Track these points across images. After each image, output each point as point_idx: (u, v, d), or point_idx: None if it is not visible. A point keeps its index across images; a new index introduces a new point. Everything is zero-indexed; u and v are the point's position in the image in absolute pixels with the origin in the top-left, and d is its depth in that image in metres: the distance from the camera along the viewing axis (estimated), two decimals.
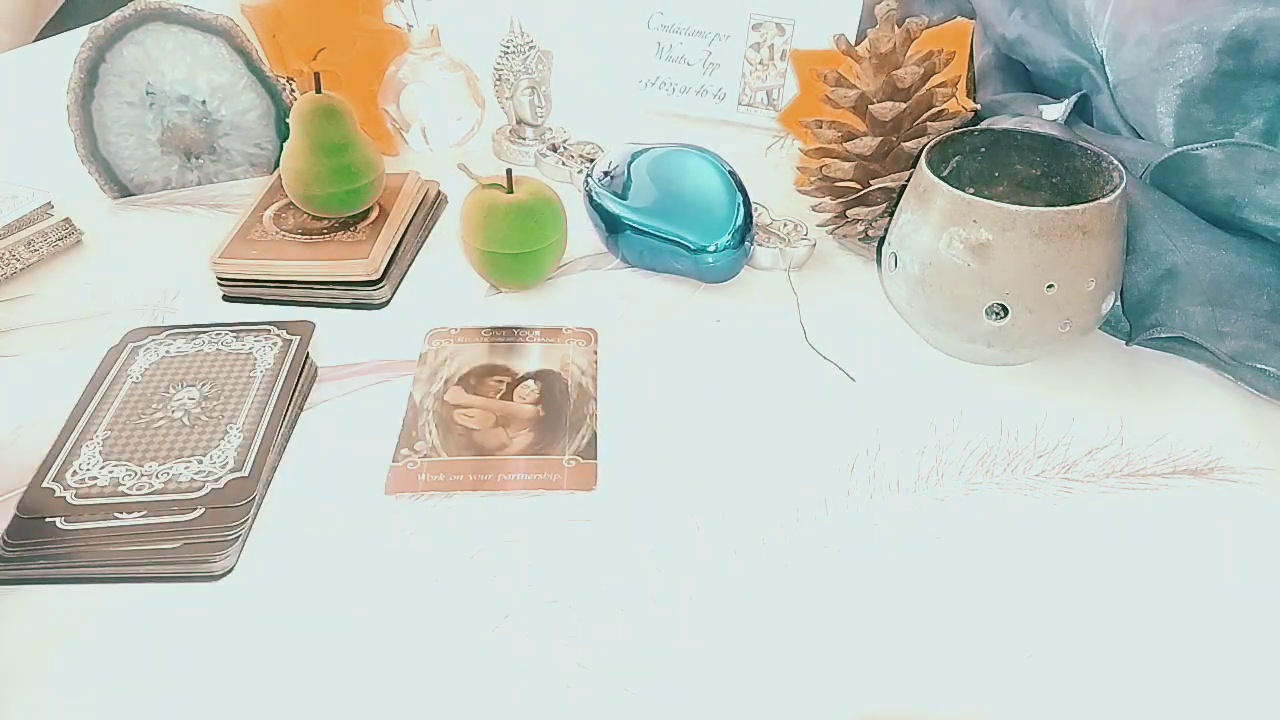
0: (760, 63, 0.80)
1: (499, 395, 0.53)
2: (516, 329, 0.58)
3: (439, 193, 0.72)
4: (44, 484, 0.45)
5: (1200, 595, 0.41)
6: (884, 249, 0.56)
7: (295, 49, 0.76)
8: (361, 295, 0.61)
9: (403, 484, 0.47)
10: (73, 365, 0.54)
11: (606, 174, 0.64)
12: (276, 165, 0.71)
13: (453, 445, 0.49)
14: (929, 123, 0.60)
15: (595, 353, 0.56)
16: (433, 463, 0.48)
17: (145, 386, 0.51)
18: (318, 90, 0.62)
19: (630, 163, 0.64)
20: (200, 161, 0.74)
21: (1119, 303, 0.54)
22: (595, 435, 0.50)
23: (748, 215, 0.61)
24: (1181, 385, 0.53)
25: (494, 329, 0.58)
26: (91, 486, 0.45)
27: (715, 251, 0.60)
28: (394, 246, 0.63)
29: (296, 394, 0.52)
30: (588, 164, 0.74)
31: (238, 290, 0.62)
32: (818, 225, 0.66)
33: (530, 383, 0.53)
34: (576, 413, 0.51)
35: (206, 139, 0.73)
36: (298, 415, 0.52)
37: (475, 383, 0.54)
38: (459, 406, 0.52)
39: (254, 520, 0.45)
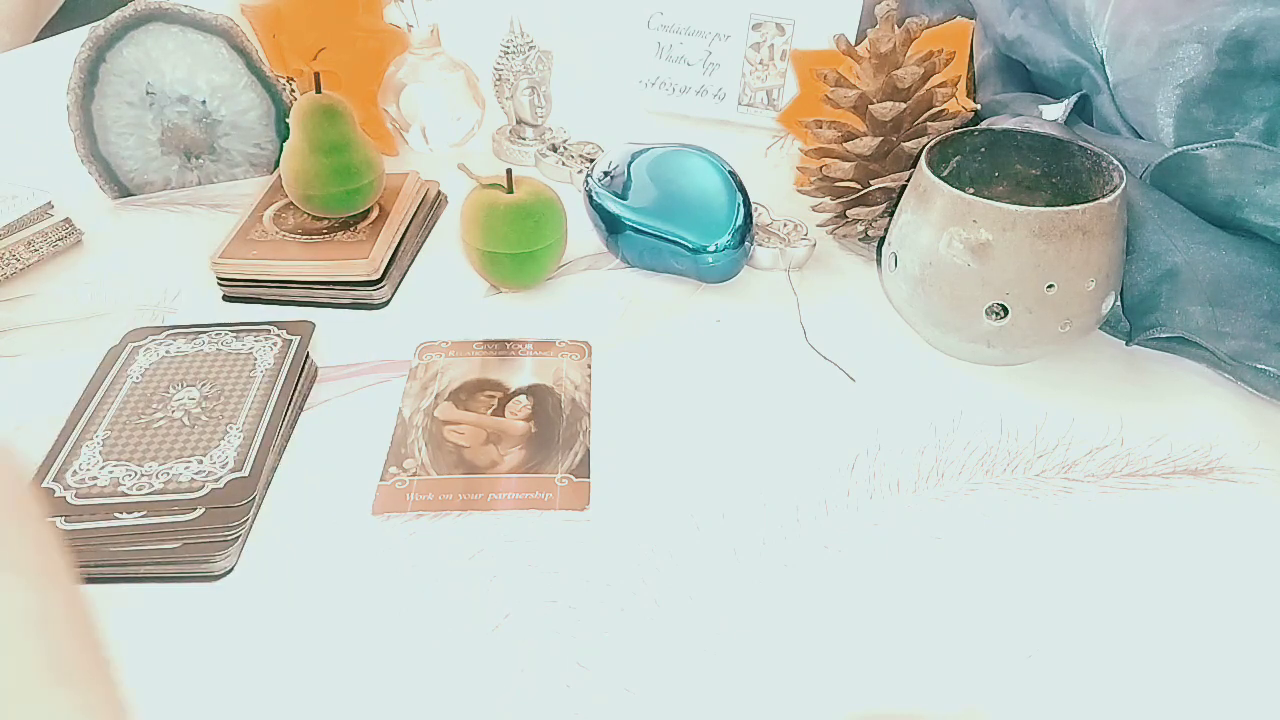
0: (760, 63, 0.80)
1: (490, 411, 0.51)
2: (508, 342, 0.57)
3: (439, 193, 0.72)
4: (44, 484, 0.45)
5: (1200, 595, 0.41)
6: (884, 249, 0.56)
7: (295, 49, 0.76)
8: (361, 295, 0.61)
9: (391, 504, 0.46)
10: (73, 365, 0.54)
11: (606, 174, 0.64)
12: (276, 165, 0.71)
13: (442, 463, 0.48)
14: (929, 123, 0.60)
15: (589, 366, 0.55)
16: (421, 481, 0.47)
17: (145, 386, 0.51)
18: (318, 90, 0.62)
19: (630, 163, 0.64)
20: (200, 161, 0.74)
21: (1119, 303, 0.54)
22: (588, 453, 0.49)
23: (748, 215, 0.61)
24: (1181, 385, 0.53)
25: (485, 342, 0.57)
26: (91, 486, 0.45)
27: (715, 251, 0.60)
28: (394, 246, 0.63)
29: (297, 394, 0.52)
30: (588, 164, 0.74)
31: (238, 290, 0.62)
32: (818, 225, 0.66)
33: (522, 398, 0.52)
34: (569, 429, 0.50)
35: (206, 139, 0.73)
36: (298, 415, 0.52)
37: (466, 398, 0.52)
38: (449, 423, 0.51)
39: (254, 520, 0.45)
